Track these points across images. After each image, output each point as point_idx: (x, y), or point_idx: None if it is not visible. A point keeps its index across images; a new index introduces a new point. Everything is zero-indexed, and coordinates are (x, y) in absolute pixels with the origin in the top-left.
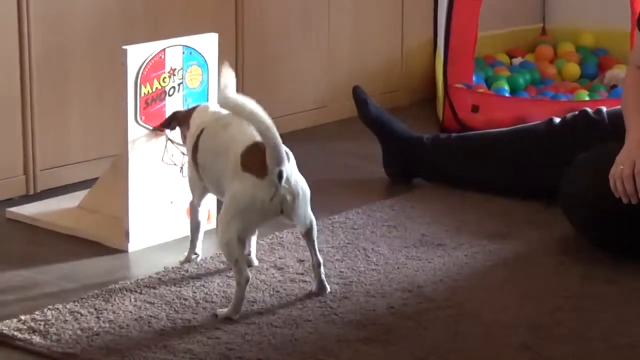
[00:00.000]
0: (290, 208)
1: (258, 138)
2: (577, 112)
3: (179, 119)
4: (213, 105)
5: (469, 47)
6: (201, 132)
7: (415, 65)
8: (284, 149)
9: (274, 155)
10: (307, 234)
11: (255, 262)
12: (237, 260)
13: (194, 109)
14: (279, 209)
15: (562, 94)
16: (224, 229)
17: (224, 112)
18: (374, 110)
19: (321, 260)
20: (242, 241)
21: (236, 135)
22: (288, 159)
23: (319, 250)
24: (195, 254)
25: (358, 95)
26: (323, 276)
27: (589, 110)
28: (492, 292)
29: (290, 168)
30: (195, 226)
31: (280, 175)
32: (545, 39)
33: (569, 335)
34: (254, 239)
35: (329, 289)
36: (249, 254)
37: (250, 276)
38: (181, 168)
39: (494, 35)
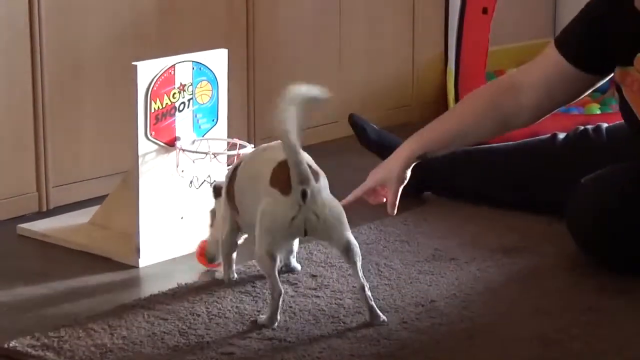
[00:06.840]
0: (314, 229)
1: None
2: (579, 130)
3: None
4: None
5: (480, 61)
6: (239, 164)
7: (427, 81)
8: (307, 167)
9: (295, 173)
10: (345, 256)
11: (298, 268)
12: (270, 275)
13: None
14: (303, 228)
15: (574, 108)
16: (257, 244)
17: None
18: (374, 135)
19: (365, 284)
20: (272, 256)
21: (272, 154)
22: (317, 179)
23: (362, 273)
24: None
25: (355, 123)
26: (371, 302)
27: (590, 128)
28: (505, 306)
29: (318, 188)
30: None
31: (304, 194)
32: None
33: (584, 350)
34: (295, 245)
35: (382, 318)
36: (290, 264)
37: (282, 291)
38: (191, 182)
39: (505, 50)
